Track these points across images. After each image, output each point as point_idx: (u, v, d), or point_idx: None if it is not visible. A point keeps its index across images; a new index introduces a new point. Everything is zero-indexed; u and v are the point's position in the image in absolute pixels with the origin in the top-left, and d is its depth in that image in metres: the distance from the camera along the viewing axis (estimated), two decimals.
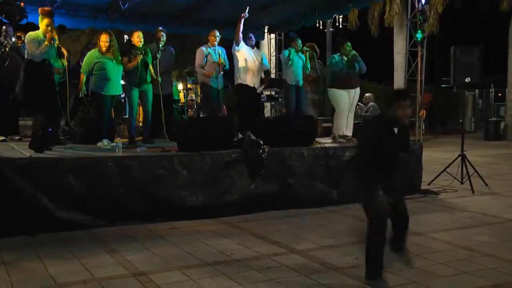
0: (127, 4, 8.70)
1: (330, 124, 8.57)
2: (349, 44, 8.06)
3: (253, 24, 9.98)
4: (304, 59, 8.33)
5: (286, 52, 8.36)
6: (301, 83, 8.43)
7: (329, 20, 15.50)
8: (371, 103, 12.19)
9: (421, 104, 8.17)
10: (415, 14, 8.25)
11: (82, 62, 7.58)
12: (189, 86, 10.56)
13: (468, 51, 8.45)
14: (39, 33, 6.16)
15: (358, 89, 8.15)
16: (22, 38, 7.13)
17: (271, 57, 12.24)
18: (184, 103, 10.18)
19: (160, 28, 8.10)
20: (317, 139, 7.33)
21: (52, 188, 5.41)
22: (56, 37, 6.24)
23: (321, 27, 16.18)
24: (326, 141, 7.64)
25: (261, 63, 8.26)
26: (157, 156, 6.11)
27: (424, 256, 4.59)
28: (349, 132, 8.04)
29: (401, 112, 3.83)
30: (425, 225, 5.74)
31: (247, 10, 7.72)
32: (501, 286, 3.91)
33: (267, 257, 4.60)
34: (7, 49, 7.58)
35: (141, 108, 8.12)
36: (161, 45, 7.85)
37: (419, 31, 8.00)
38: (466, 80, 8.38)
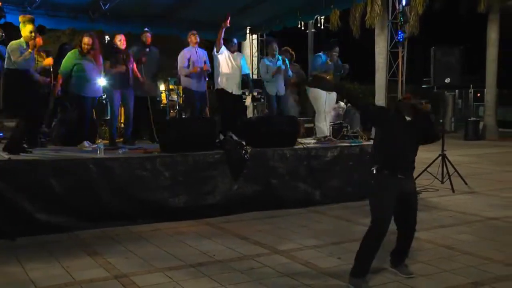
0: (108, 5, 8.62)
1: (312, 125, 8.58)
2: (337, 50, 8.03)
3: (235, 25, 9.97)
4: (284, 67, 8.38)
5: (266, 61, 8.40)
6: (282, 92, 8.46)
7: (311, 21, 15.56)
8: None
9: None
10: (396, 15, 8.32)
11: (57, 60, 7.41)
12: (171, 87, 10.52)
13: (448, 52, 8.58)
14: (21, 41, 6.11)
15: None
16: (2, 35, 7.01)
17: (253, 58, 12.25)
18: (166, 104, 10.14)
19: (146, 29, 8.07)
20: (299, 140, 7.34)
21: (32, 190, 5.33)
22: (41, 43, 6.21)
23: (302, 28, 16.24)
24: (308, 142, 7.66)
25: (241, 67, 8.25)
26: (139, 158, 6.06)
27: None
28: (327, 132, 8.09)
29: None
30: None
31: (228, 21, 7.72)
32: (480, 284, 3.96)
33: (250, 258, 4.60)
34: None
35: (122, 109, 8.06)
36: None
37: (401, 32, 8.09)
38: (446, 81, 8.49)
